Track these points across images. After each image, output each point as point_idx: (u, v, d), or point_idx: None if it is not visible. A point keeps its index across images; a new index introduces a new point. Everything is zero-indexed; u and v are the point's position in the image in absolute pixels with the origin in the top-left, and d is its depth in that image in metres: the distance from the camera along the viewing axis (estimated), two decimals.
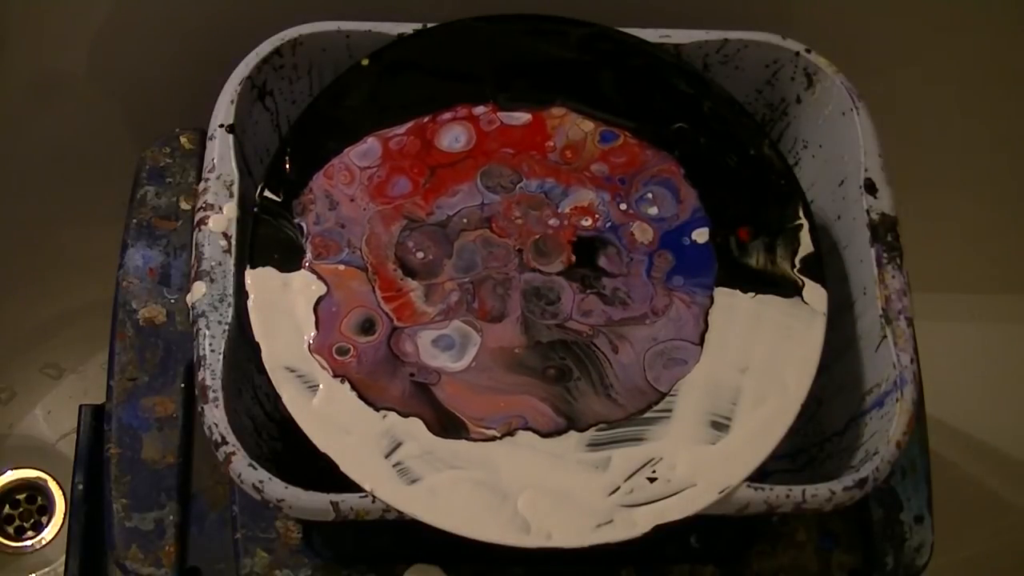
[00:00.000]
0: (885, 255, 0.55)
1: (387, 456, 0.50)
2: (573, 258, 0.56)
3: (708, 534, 0.58)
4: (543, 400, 0.52)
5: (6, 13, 0.68)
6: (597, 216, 0.57)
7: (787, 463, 0.60)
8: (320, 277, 0.54)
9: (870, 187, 0.56)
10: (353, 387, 0.51)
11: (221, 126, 0.55)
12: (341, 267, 0.54)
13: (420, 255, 0.55)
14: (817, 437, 0.59)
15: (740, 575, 0.58)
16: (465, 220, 0.56)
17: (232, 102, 0.55)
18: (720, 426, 0.52)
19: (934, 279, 0.71)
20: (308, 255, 0.54)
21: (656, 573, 0.57)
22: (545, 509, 0.49)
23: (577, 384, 0.53)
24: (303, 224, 0.54)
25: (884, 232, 0.55)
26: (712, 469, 0.50)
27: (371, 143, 0.57)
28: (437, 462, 0.50)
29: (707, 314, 0.54)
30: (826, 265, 0.55)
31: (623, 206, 0.57)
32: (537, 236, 0.56)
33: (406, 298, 0.54)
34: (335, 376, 0.51)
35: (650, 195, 0.57)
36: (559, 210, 0.57)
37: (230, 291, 0.51)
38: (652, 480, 0.50)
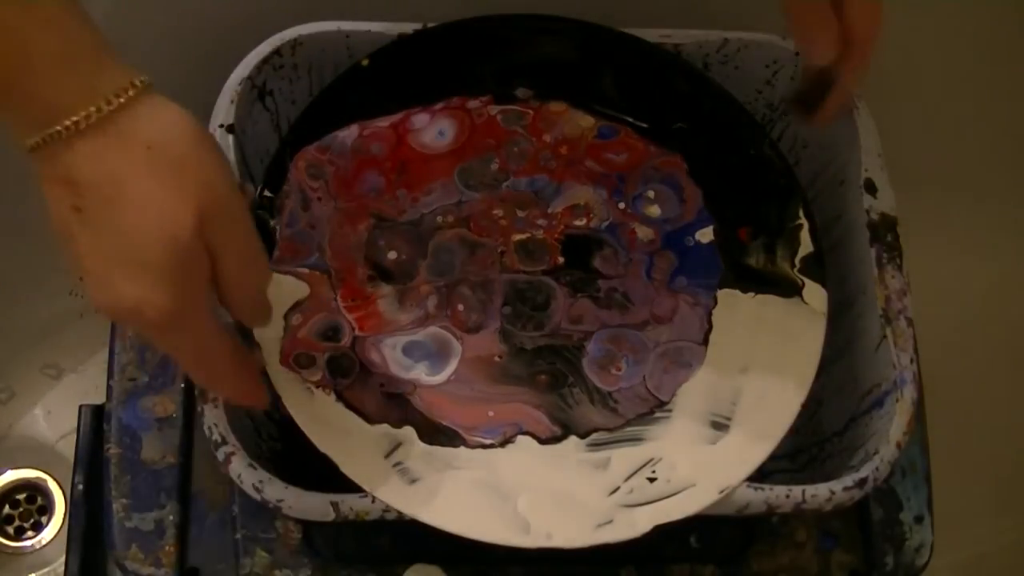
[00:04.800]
0: (885, 255, 0.55)
1: (387, 456, 0.50)
2: (562, 259, 0.55)
3: (708, 534, 0.58)
4: (537, 408, 0.52)
5: None
6: (592, 215, 0.56)
7: (787, 463, 0.60)
8: (302, 280, 0.53)
9: (870, 187, 0.56)
10: (339, 397, 0.51)
11: (221, 126, 0.55)
12: (305, 271, 0.53)
13: (392, 255, 0.54)
14: (817, 437, 0.59)
15: (740, 575, 0.58)
16: (440, 219, 0.55)
17: (232, 102, 0.55)
18: (720, 426, 0.52)
19: (934, 279, 0.71)
20: (273, 258, 0.53)
21: (656, 573, 0.57)
22: (545, 509, 0.49)
23: (572, 391, 0.52)
24: (277, 226, 0.54)
25: (884, 232, 0.55)
26: (712, 469, 0.50)
27: (347, 132, 0.56)
28: (437, 462, 0.50)
29: (711, 314, 0.54)
30: (826, 265, 0.55)
31: (621, 204, 0.56)
32: (521, 236, 0.55)
33: (372, 306, 0.53)
34: (317, 386, 0.51)
35: (651, 193, 0.57)
36: (549, 210, 0.56)
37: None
38: (652, 480, 0.50)
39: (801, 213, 0.56)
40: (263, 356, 0.51)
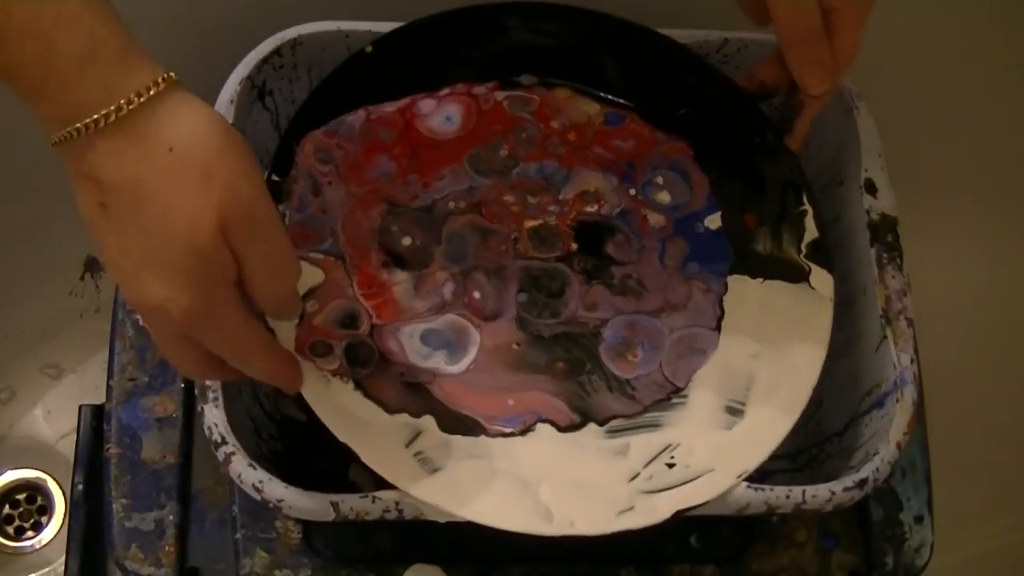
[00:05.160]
0: (885, 255, 0.55)
1: (407, 445, 0.49)
2: (575, 245, 0.55)
3: (708, 534, 0.58)
4: (556, 396, 0.52)
5: None
6: (603, 202, 0.56)
7: (787, 463, 0.60)
8: (316, 266, 0.52)
9: (870, 187, 0.56)
10: (357, 386, 0.50)
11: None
12: (320, 256, 0.52)
13: (407, 241, 0.54)
14: (817, 437, 0.59)
15: (740, 575, 0.58)
16: (452, 204, 0.55)
17: (232, 102, 0.55)
18: (735, 411, 0.52)
19: (934, 279, 0.71)
20: None
21: (656, 573, 0.57)
22: (567, 497, 0.49)
23: (590, 379, 0.52)
24: (286, 212, 0.53)
25: (884, 232, 0.55)
26: (729, 454, 0.50)
27: (355, 117, 0.55)
28: (458, 451, 0.49)
29: (721, 300, 0.54)
30: None
31: (632, 191, 0.56)
32: (534, 223, 0.55)
33: (388, 293, 0.52)
34: (334, 375, 0.50)
35: (660, 179, 0.56)
36: (560, 196, 0.56)
37: None
38: (671, 466, 0.50)
39: (805, 199, 0.56)
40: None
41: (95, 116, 0.38)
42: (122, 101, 0.38)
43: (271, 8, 0.61)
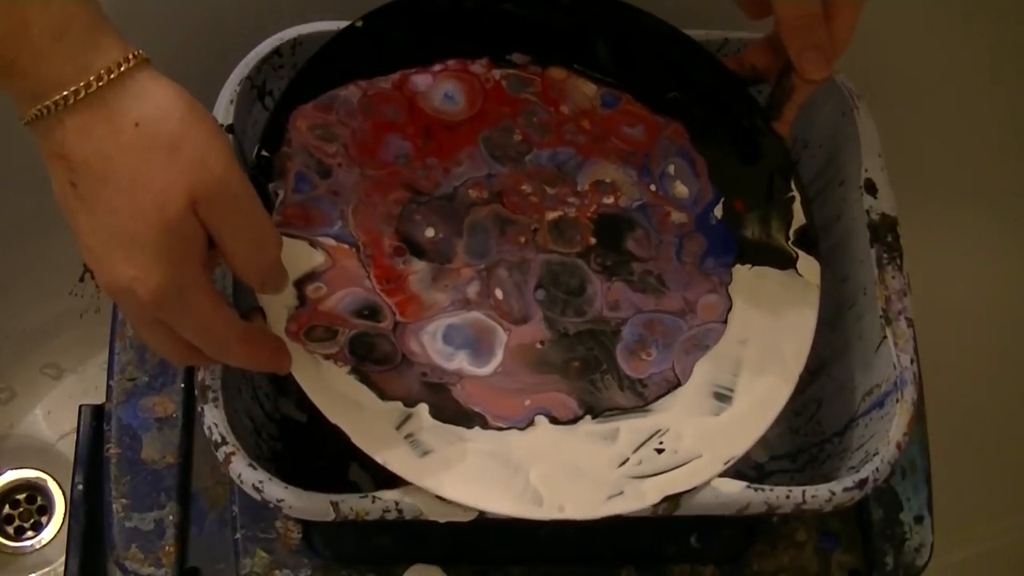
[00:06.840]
0: (885, 255, 0.55)
1: (398, 427, 0.49)
2: (593, 239, 0.55)
3: (708, 534, 0.58)
4: (569, 394, 0.51)
5: None
6: (620, 193, 0.55)
7: (787, 463, 0.60)
8: (322, 249, 0.51)
9: (870, 187, 0.56)
10: (353, 371, 0.49)
11: (220, 126, 0.54)
12: (332, 243, 0.51)
13: (430, 232, 0.53)
14: (817, 437, 0.59)
15: (740, 575, 0.58)
16: (473, 193, 0.54)
17: (232, 102, 0.55)
18: (723, 397, 0.52)
19: (934, 279, 0.71)
20: (278, 221, 0.50)
21: (656, 573, 0.57)
22: (557, 481, 0.49)
23: (603, 378, 0.52)
24: (280, 190, 0.51)
25: (884, 232, 0.55)
26: (717, 440, 0.50)
27: (348, 92, 0.54)
28: (449, 435, 0.49)
29: (727, 290, 0.54)
30: (826, 266, 0.55)
31: (652, 186, 0.56)
32: (554, 214, 0.54)
33: (407, 285, 0.52)
34: (326, 359, 0.49)
35: (672, 168, 0.56)
36: (579, 187, 0.55)
37: (229, 290, 0.51)
38: (660, 451, 0.50)
39: (793, 185, 0.56)
40: (266, 323, 0.49)
41: (64, 93, 0.38)
42: (91, 78, 0.38)
43: (271, 8, 0.61)
